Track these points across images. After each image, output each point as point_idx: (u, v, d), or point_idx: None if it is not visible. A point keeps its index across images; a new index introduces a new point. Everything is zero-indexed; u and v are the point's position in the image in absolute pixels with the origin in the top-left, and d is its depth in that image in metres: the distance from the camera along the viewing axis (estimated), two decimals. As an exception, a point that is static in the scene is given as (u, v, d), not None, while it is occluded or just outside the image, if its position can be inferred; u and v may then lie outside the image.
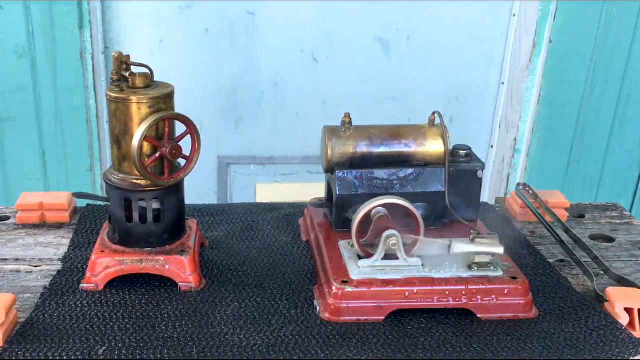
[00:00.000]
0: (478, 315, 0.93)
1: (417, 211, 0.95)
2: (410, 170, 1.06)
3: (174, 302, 0.94)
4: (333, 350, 0.85)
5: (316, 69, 2.09)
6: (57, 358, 0.82)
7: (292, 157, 2.19)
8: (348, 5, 2.02)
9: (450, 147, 1.08)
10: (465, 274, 0.94)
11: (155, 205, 0.97)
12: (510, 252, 1.00)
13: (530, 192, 1.24)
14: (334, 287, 0.92)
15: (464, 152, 1.09)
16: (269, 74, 2.08)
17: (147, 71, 0.96)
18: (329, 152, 1.05)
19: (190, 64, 2.05)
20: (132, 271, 0.96)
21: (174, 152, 0.95)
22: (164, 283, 0.98)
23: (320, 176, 1.25)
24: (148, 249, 0.98)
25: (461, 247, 0.92)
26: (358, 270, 0.94)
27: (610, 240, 1.18)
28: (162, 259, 0.97)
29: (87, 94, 1.94)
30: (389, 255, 0.94)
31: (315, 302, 0.95)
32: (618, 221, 1.25)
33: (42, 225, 1.16)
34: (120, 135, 0.95)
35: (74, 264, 1.03)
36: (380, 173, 1.06)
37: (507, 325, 0.91)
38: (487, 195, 2.31)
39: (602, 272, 1.05)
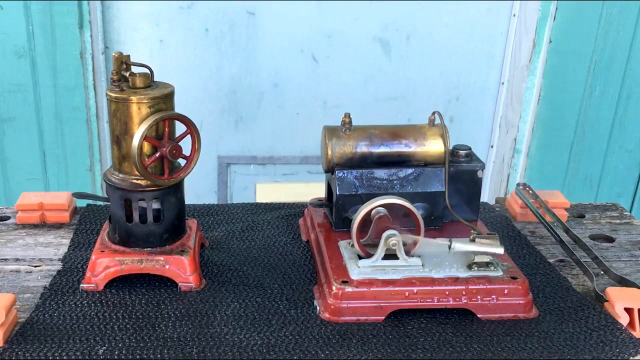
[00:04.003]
0: (478, 315, 0.93)
1: (417, 211, 0.95)
2: (410, 170, 1.06)
3: (174, 302, 0.94)
4: (333, 350, 0.85)
5: (316, 69, 2.09)
6: (57, 358, 0.82)
7: (292, 157, 2.19)
8: (348, 5, 2.02)
9: (450, 147, 1.08)
10: (465, 274, 0.94)
11: (155, 205, 0.97)
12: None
13: (530, 192, 1.24)
14: (334, 287, 0.92)
15: (464, 152, 1.09)
16: (269, 74, 2.08)
17: (147, 71, 0.96)
18: (329, 152, 1.05)
19: (190, 64, 2.05)
20: (132, 271, 0.96)
21: (174, 152, 0.95)
22: (164, 283, 0.98)
23: (320, 176, 1.25)
24: (148, 249, 0.98)
25: (461, 246, 0.92)
26: (358, 270, 0.94)
27: (610, 240, 1.18)
28: (162, 259, 0.97)
29: (87, 94, 1.94)
30: (389, 255, 0.94)
31: (315, 302, 0.95)
32: (618, 221, 1.25)
33: (42, 225, 1.16)
34: (120, 135, 0.95)
35: (74, 264, 1.03)
36: (380, 173, 1.06)
37: (507, 325, 0.91)
38: (487, 195, 2.31)
39: (602, 272, 1.05)
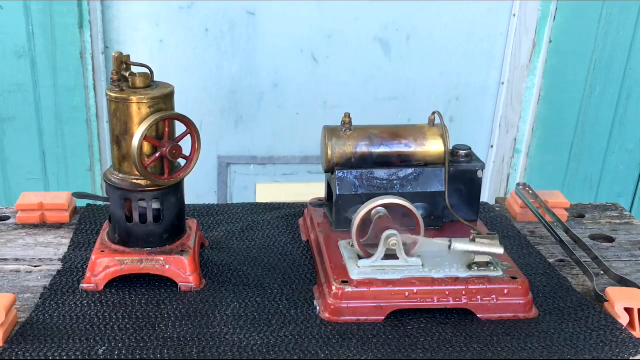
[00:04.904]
0: (478, 315, 0.93)
1: (417, 211, 0.95)
2: (410, 170, 1.06)
3: (174, 302, 0.94)
4: (333, 350, 0.85)
5: (316, 69, 2.09)
6: (57, 358, 0.82)
7: (292, 157, 2.19)
8: (348, 5, 2.02)
9: (450, 147, 1.08)
10: (465, 274, 0.94)
11: (155, 205, 0.97)
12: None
13: (530, 192, 1.24)
14: (334, 287, 0.92)
15: (464, 152, 1.09)
16: (269, 74, 2.08)
17: (147, 71, 0.96)
18: (329, 152, 1.05)
19: (190, 64, 2.05)
20: (132, 271, 0.96)
21: (174, 152, 0.95)
22: (164, 283, 0.98)
23: (320, 176, 1.25)
24: (148, 249, 0.98)
25: (461, 246, 0.92)
26: (358, 270, 0.94)
27: (610, 240, 1.18)
28: (162, 259, 0.97)
29: (87, 94, 1.94)
30: (389, 255, 0.94)
31: (315, 302, 0.95)
32: (618, 221, 1.25)
33: (42, 225, 1.16)
34: (120, 135, 0.95)
35: (74, 264, 1.03)
36: (380, 173, 1.06)
37: (507, 325, 0.91)
38: (487, 195, 2.31)
39: (602, 272, 1.05)
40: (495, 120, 2.22)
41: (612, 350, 0.86)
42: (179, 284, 0.97)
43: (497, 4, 2.08)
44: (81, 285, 0.97)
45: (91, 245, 1.06)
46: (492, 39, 2.13)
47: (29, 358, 0.82)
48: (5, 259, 1.05)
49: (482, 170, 1.08)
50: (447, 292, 0.92)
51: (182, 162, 0.99)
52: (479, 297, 0.92)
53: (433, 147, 1.06)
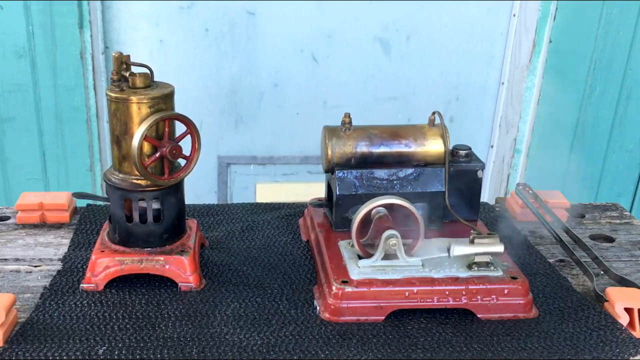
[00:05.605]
0: (478, 315, 0.93)
1: (417, 211, 0.95)
2: (410, 170, 1.06)
3: (174, 302, 0.94)
4: (333, 350, 0.85)
5: (316, 69, 2.09)
6: (57, 358, 0.82)
7: (292, 157, 2.19)
8: (348, 5, 2.02)
9: (450, 147, 1.08)
10: (465, 273, 0.94)
11: (155, 205, 0.97)
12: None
13: (530, 192, 1.24)
14: (334, 287, 0.92)
15: (464, 152, 1.09)
16: (269, 74, 2.08)
17: (147, 71, 0.96)
18: (329, 152, 1.05)
19: (190, 64, 2.05)
20: (132, 271, 0.97)
21: (174, 152, 0.95)
22: (164, 283, 0.98)
23: (320, 176, 1.25)
24: (148, 249, 0.98)
25: (461, 249, 0.92)
26: (358, 270, 0.94)
27: (610, 240, 1.18)
28: (162, 259, 0.97)
29: (87, 94, 1.94)
30: (389, 255, 0.94)
31: (315, 302, 0.95)
32: (618, 221, 1.25)
33: (42, 225, 1.16)
34: (120, 135, 0.95)
35: (74, 264, 1.03)
36: (380, 173, 1.06)
37: (507, 325, 0.91)
38: (487, 195, 2.31)
39: (602, 272, 1.05)
40: (495, 120, 2.22)
41: (612, 350, 0.86)
42: (179, 284, 0.97)
43: (497, 4, 2.08)
44: (81, 285, 0.97)
45: (91, 245, 1.06)
46: (492, 39, 2.12)
47: (29, 358, 0.82)
48: (5, 259, 1.05)
49: (482, 170, 1.08)
50: (447, 292, 0.92)
51: (182, 162, 0.99)
52: (479, 297, 0.92)
53: (433, 147, 1.06)
